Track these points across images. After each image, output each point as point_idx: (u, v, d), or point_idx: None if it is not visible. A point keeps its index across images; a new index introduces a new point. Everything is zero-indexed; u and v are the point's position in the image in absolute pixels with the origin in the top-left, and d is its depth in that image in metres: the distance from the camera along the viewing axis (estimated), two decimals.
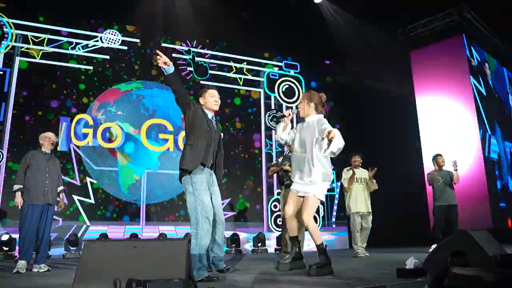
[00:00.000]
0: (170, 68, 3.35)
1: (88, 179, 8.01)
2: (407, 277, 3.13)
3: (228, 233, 8.10)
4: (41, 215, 4.60)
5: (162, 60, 3.31)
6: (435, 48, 10.20)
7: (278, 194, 9.20)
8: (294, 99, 10.06)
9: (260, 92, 9.98)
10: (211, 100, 3.59)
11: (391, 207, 8.75)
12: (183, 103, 3.51)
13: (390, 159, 8.72)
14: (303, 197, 3.71)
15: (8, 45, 7.98)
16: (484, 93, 11.21)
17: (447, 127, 9.97)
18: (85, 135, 8.17)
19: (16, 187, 4.57)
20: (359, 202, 6.32)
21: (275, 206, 9.22)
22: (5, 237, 6.82)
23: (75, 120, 8.15)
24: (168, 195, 8.57)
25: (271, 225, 9.13)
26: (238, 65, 9.82)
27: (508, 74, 14.36)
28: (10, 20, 8.06)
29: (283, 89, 10.01)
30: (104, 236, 7.46)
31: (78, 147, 8.07)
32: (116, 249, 2.05)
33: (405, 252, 6.23)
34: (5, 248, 6.80)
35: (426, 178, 7.10)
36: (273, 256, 6.86)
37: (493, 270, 2.45)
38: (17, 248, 6.82)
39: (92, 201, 7.97)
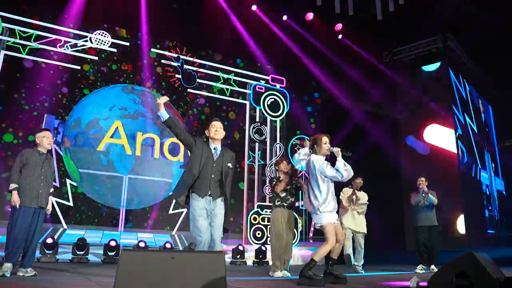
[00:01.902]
0: (164, 114, 3.78)
1: (68, 181, 7.76)
2: None
3: None
4: (32, 218, 4.42)
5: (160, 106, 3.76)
6: (420, 75, 10.66)
7: (259, 207, 9.24)
8: (279, 113, 10.17)
9: (246, 104, 10.03)
10: (212, 130, 3.92)
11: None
12: (188, 144, 3.88)
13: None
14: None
15: None
16: (476, 129, 11.80)
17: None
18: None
19: (12, 186, 4.37)
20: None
21: (255, 219, 9.22)
22: None
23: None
24: (148, 202, 8.42)
25: (250, 238, 9.11)
26: (225, 76, 9.85)
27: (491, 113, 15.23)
28: None
29: (269, 103, 10.11)
30: (82, 240, 7.21)
31: (59, 147, 7.83)
32: (154, 260, 2.03)
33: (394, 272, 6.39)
34: None
35: (412, 200, 7.26)
36: (252, 269, 6.86)
37: None
38: None
39: (71, 203, 7.72)
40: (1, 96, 7.64)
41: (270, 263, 5.55)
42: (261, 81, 10.27)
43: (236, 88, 9.96)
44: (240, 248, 8.47)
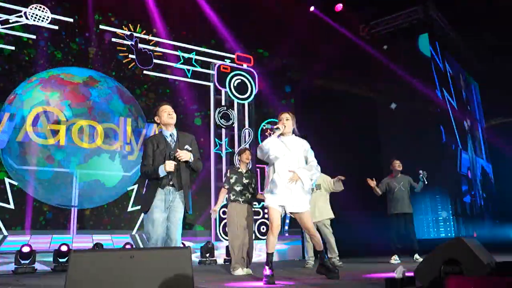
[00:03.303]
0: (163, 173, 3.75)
1: (7, 180, 7.46)
2: (397, 287, 3.28)
3: None
4: None
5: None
6: (397, 48, 10.81)
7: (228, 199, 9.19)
8: (247, 95, 10.11)
9: (210, 86, 9.91)
10: (164, 115, 3.95)
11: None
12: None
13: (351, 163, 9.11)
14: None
15: None
16: (455, 106, 12.11)
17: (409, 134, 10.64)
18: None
19: None
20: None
21: (224, 213, 9.19)
22: None
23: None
24: (103, 200, 8.23)
25: (220, 234, 9.10)
26: (186, 55, 9.68)
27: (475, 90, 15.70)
28: None
29: (235, 84, 10.03)
30: (26, 247, 6.98)
31: None
32: (110, 261, 1.95)
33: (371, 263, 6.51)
34: None
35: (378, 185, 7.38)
36: (220, 269, 6.83)
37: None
38: None
39: (12, 206, 7.43)
40: None
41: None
42: (226, 60, 10.16)
43: (199, 69, 9.81)
44: (209, 245, 8.46)
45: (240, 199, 5.70)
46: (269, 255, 4.38)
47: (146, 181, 3.92)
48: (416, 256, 6.98)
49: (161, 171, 3.69)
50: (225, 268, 6.61)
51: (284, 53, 10.64)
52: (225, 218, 9.12)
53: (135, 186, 8.50)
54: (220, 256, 8.70)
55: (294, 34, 10.21)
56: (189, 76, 9.68)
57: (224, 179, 6.06)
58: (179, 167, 3.80)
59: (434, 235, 11.53)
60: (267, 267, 4.29)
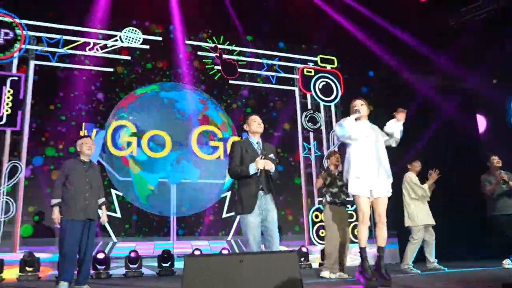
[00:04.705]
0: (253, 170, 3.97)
1: (113, 192, 8.05)
2: None
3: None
4: (82, 231, 4.60)
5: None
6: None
7: (320, 203, 9.14)
8: (332, 97, 10.00)
9: (295, 90, 9.95)
10: (254, 124, 4.21)
11: None
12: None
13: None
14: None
15: (21, 48, 8.05)
16: None
17: None
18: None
19: (54, 201, 4.57)
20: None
21: (317, 216, 9.14)
22: (27, 257, 6.87)
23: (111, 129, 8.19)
24: (199, 207, 8.58)
25: (313, 238, 9.05)
26: (269, 62, 9.81)
27: None
28: (22, 21, 8.13)
29: (320, 87, 9.97)
30: (134, 252, 7.46)
31: (101, 156, 8.13)
32: (220, 265, 2.02)
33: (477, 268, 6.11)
34: (28, 269, 6.84)
35: (483, 185, 6.81)
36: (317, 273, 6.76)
37: None
38: (39, 268, 6.95)
39: (119, 215, 8.01)
40: (37, 109, 8.02)
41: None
42: (309, 63, 10.14)
43: (282, 74, 9.90)
44: (304, 249, 8.44)
45: (337, 201, 5.70)
46: (363, 251, 4.19)
47: (239, 188, 4.07)
48: None
49: (252, 169, 3.91)
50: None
51: (368, 52, 10.35)
52: (317, 222, 9.09)
53: (229, 193, 8.78)
54: (315, 260, 8.64)
55: (377, 30, 9.91)
56: (273, 82, 9.79)
57: (318, 179, 6.08)
58: (267, 173, 4.00)
59: None
60: (363, 270, 4.13)
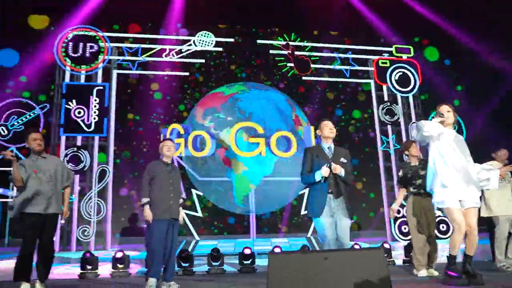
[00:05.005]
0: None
1: (194, 191, 8.31)
2: None
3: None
4: (167, 230, 4.79)
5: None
6: None
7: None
8: (410, 87, 9.60)
9: (370, 83, 9.69)
10: (326, 129, 4.28)
11: None
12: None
13: None
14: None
15: (105, 59, 8.56)
16: None
17: None
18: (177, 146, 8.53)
19: (143, 200, 4.79)
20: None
21: (398, 212, 8.82)
22: (119, 254, 7.26)
23: (169, 129, 8.49)
24: (278, 205, 8.62)
25: (396, 233, 8.75)
26: (342, 56, 9.63)
27: None
28: (105, 34, 8.65)
29: (396, 78, 9.61)
30: (216, 250, 7.64)
31: (180, 158, 8.43)
32: (305, 262, 2.00)
33: None
34: (119, 266, 7.23)
35: None
36: (401, 270, 6.50)
37: None
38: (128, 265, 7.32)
39: (200, 214, 8.25)
40: (119, 114, 8.52)
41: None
42: (383, 54, 9.82)
43: (356, 67, 9.67)
44: (386, 246, 8.18)
45: (421, 192, 5.27)
46: (453, 258, 4.02)
47: (310, 191, 4.27)
48: None
49: (317, 176, 4.05)
50: (406, 270, 6.31)
51: (448, 37, 9.82)
52: (399, 218, 8.76)
53: (307, 190, 8.72)
54: (398, 257, 8.34)
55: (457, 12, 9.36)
56: (347, 76, 9.59)
57: (397, 179, 5.80)
58: (336, 177, 4.08)
59: None
60: (451, 271, 3.95)
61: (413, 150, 5.56)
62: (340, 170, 4.05)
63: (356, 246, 7.33)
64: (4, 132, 7.76)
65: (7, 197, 7.63)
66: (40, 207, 4.52)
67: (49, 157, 4.82)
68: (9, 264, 6.86)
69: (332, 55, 9.61)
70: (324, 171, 4.01)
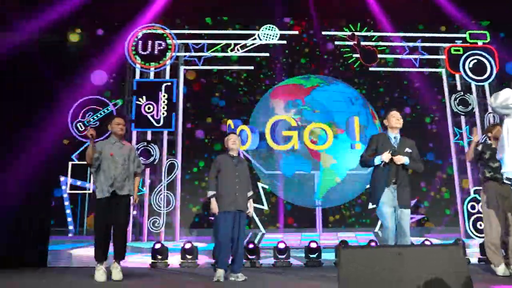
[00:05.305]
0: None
1: (260, 185, 8.37)
2: None
3: (418, 241, 7.60)
4: (234, 222, 4.86)
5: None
6: None
7: (475, 192, 8.35)
8: (486, 75, 9.03)
9: (442, 71, 9.23)
10: (393, 120, 4.46)
11: None
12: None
13: None
14: None
15: (172, 56, 8.81)
16: None
17: None
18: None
19: (210, 193, 4.92)
20: None
21: (473, 207, 8.37)
22: (187, 246, 7.48)
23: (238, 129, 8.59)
24: (344, 198, 8.48)
25: (470, 230, 8.31)
26: (410, 44, 9.25)
27: None
28: (172, 31, 8.89)
29: (470, 66, 9.08)
30: (280, 242, 7.65)
31: (247, 151, 8.51)
32: (377, 258, 1.93)
33: None
34: (188, 256, 7.45)
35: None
36: (475, 268, 6.14)
37: None
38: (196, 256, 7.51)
39: (266, 207, 8.30)
40: (194, 112, 8.72)
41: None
42: (456, 41, 9.31)
43: (427, 56, 9.25)
44: (459, 243, 7.80)
45: (498, 176, 4.76)
46: None
47: (372, 180, 4.37)
48: None
49: (377, 160, 4.23)
50: (482, 268, 5.99)
51: None
52: (474, 213, 8.32)
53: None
54: (473, 255, 7.91)
55: None
56: (417, 65, 9.20)
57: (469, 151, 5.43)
58: (397, 167, 4.21)
59: None
60: None
61: (496, 132, 5.11)
62: (403, 161, 4.18)
63: (427, 242, 7.04)
64: (81, 128, 8.25)
65: (84, 189, 8.10)
66: (114, 189, 4.78)
67: (126, 143, 5.09)
68: (88, 251, 7.34)
69: (400, 44, 9.26)
70: (385, 156, 4.14)
